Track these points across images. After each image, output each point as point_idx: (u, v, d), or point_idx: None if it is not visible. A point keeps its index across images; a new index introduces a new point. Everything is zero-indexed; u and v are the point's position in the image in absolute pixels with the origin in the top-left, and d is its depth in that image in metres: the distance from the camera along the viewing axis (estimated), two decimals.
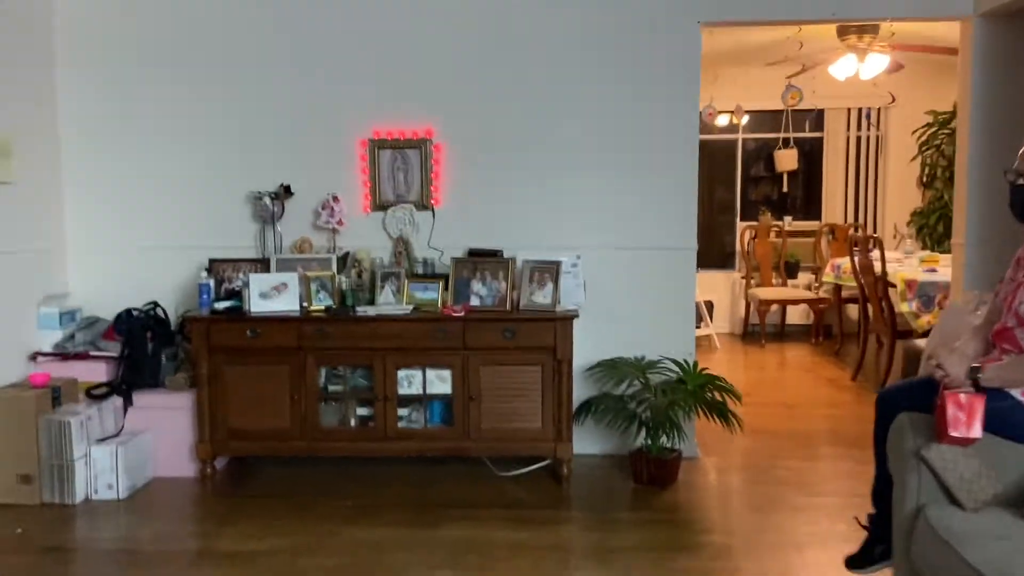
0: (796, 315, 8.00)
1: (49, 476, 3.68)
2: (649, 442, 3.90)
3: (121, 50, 4.25)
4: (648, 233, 4.20)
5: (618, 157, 4.19)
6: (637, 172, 4.19)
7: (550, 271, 3.95)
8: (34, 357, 4.01)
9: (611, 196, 4.20)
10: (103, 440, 3.79)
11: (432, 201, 4.25)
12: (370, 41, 4.20)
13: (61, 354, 4.03)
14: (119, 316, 4.09)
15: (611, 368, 4.04)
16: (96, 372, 3.99)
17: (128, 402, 3.95)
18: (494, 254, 4.05)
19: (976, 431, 2.15)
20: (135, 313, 4.09)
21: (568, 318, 3.83)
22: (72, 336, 4.09)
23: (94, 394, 3.89)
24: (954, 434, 2.18)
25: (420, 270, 4.15)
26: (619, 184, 4.18)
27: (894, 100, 7.60)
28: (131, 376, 3.98)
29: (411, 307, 3.94)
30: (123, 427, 3.92)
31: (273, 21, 4.22)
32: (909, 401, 2.48)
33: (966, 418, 2.15)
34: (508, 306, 3.91)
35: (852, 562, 2.71)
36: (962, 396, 2.16)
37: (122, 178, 4.30)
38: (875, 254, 5.79)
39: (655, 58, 4.14)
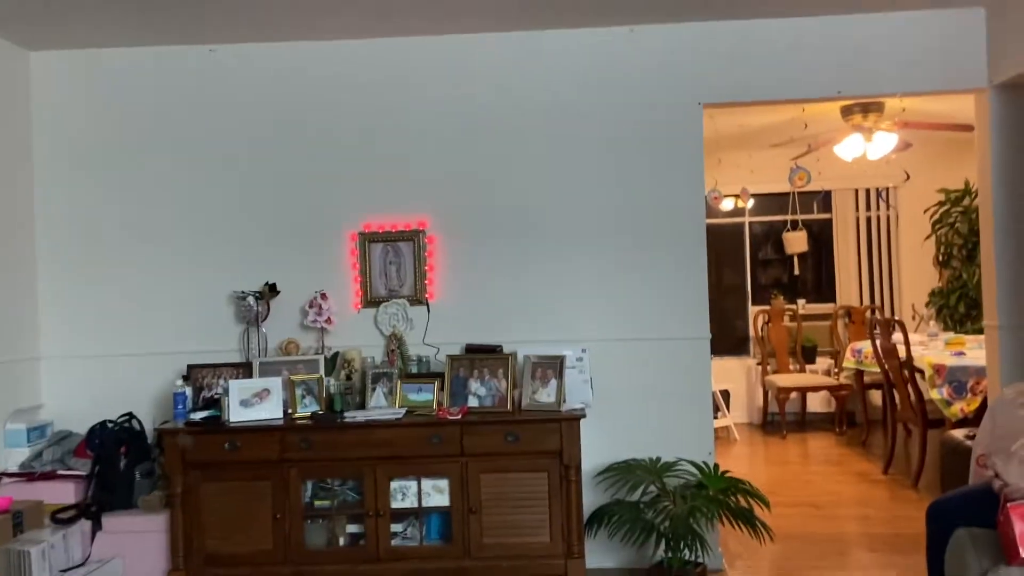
0: (817, 402, 7.68)
1: None
2: (670, 555, 3.54)
3: (97, 152, 4.13)
4: (658, 322, 3.97)
5: (623, 243, 4.00)
6: (643, 258, 4.00)
7: (553, 366, 3.68)
8: None
9: (617, 284, 3.99)
10: (67, 571, 3.46)
11: (426, 295, 4.04)
12: (359, 132, 4.08)
13: (27, 474, 3.74)
14: (92, 429, 3.83)
15: (624, 472, 3.73)
16: (64, 493, 3.70)
17: (97, 526, 3.64)
18: (493, 350, 3.81)
19: None
20: (109, 426, 3.83)
21: (575, 418, 3.55)
22: (40, 454, 3.82)
23: (60, 518, 3.59)
24: None
25: (414, 369, 3.89)
26: (625, 271, 3.98)
27: (908, 178, 7.47)
28: (102, 496, 3.69)
29: (404, 410, 3.66)
30: (90, 555, 3.59)
31: (256, 113, 4.11)
32: (966, 513, 2.16)
33: None
34: (509, 406, 3.65)
35: None
36: None
37: (97, 283, 4.11)
38: (897, 337, 5.50)
39: (657, 140, 4.01)
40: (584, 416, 3.59)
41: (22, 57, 4.06)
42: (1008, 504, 1.92)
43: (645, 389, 3.94)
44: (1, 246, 3.83)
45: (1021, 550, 1.89)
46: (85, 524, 3.63)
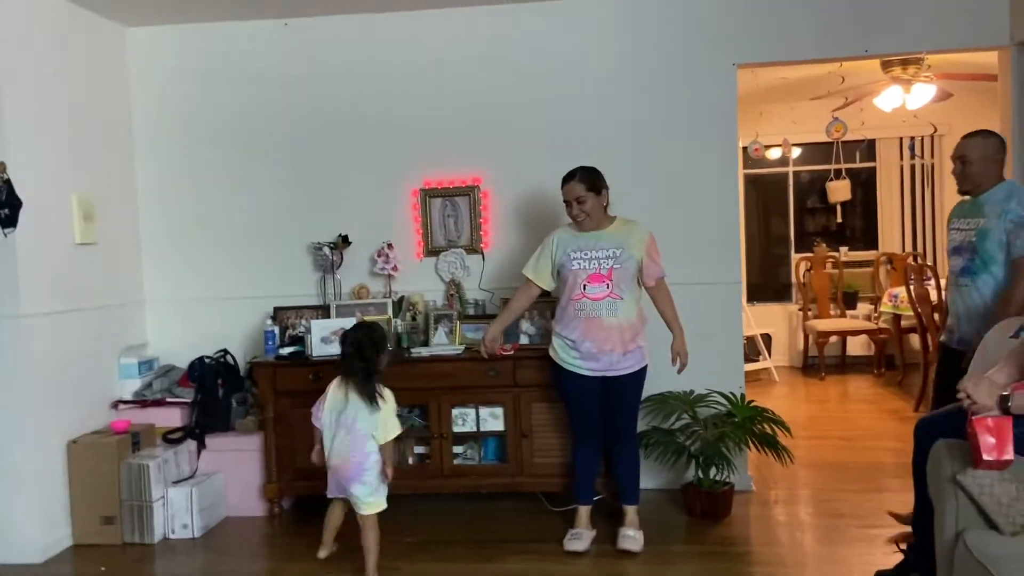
0: (857, 346, 7.89)
1: (129, 517, 3.91)
2: (700, 475, 3.94)
3: (191, 121, 4.58)
4: (694, 268, 4.25)
5: (661, 195, 4.31)
6: (680, 209, 4.31)
7: None
8: (116, 405, 4.28)
9: (656, 232, 4.27)
10: (179, 482, 4.02)
11: (482, 245, 4.43)
12: (420, 97, 4.45)
13: (140, 401, 4.29)
14: (192, 364, 4.35)
15: (660, 403, 4.11)
16: (172, 417, 4.25)
17: (201, 445, 4.18)
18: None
19: (1009, 453, 2.18)
20: (207, 361, 4.34)
21: None
22: (150, 384, 4.36)
23: (170, 438, 4.14)
24: (987, 458, 2.21)
25: (471, 311, 4.31)
26: (664, 221, 4.19)
27: (936, 130, 7.53)
28: (204, 420, 4.22)
29: (463, 347, 4.09)
30: (197, 469, 4.16)
31: (329, 82, 4.50)
32: (948, 428, 2.51)
33: (997, 442, 2.18)
34: None
35: None
36: (989, 420, 2.19)
37: (193, 236, 4.61)
38: (932, 283, 5.73)
39: (694, 98, 4.28)
40: None
41: (119, 32, 4.53)
42: (973, 418, 2.27)
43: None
44: (109, 207, 4.32)
45: (983, 454, 2.24)
46: (191, 444, 4.18)
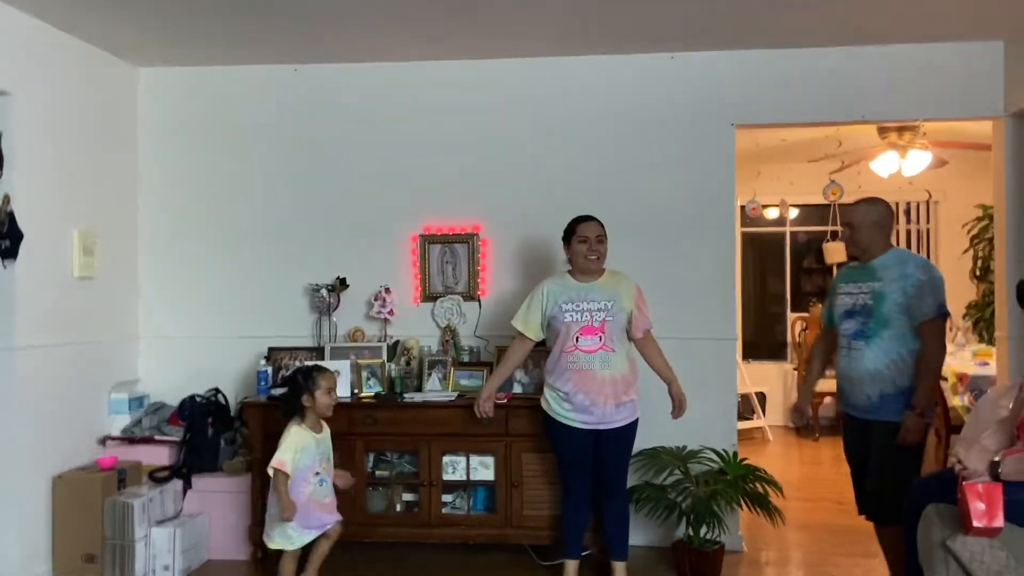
0: None
1: (111, 556, 3.84)
2: (691, 533, 3.90)
3: (193, 157, 4.65)
4: (689, 323, 4.27)
5: (658, 249, 4.35)
6: (677, 263, 4.35)
7: None
8: (103, 441, 4.25)
9: (651, 287, 4.26)
10: (162, 522, 3.96)
11: (479, 292, 4.46)
12: (422, 145, 4.51)
13: (128, 438, 4.26)
14: (183, 402, 4.33)
15: (652, 457, 4.09)
16: (159, 455, 4.22)
17: (188, 485, 4.14)
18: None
19: (999, 520, 2.18)
20: (198, 400, 4.33)
21: None
22: (139, 421, 4.33)
23: (156, 477, 4.10)
24: (978, 524, 2.21)
25: (466, 358, 4.31)
26: (661, 275, 4.27)
27: (930, 197, 7.62)
28: (191, 460, 4.19)
29: (456, 394, 4.09)
30: (182, 509, 4.11)
31: (332, 126, 4.57)
32: (938, 492, 2.51)
33: (988, 508, 2.17)
34: None
35: None
36: (980, 486, 2.19)
37: (191, 273, 4.63)
38: None
39: (693, 156, 4.35)
40: None
41: (131, 72, 4.61)
42: (964, 483, 2.27)
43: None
44: (108, 243, 4.34)
45: (973, 521, 2.23)
46: (177, 483, 4.13)
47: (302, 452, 3.43)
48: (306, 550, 3.50)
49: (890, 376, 3.24)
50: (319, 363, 3.77)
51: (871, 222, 3.39)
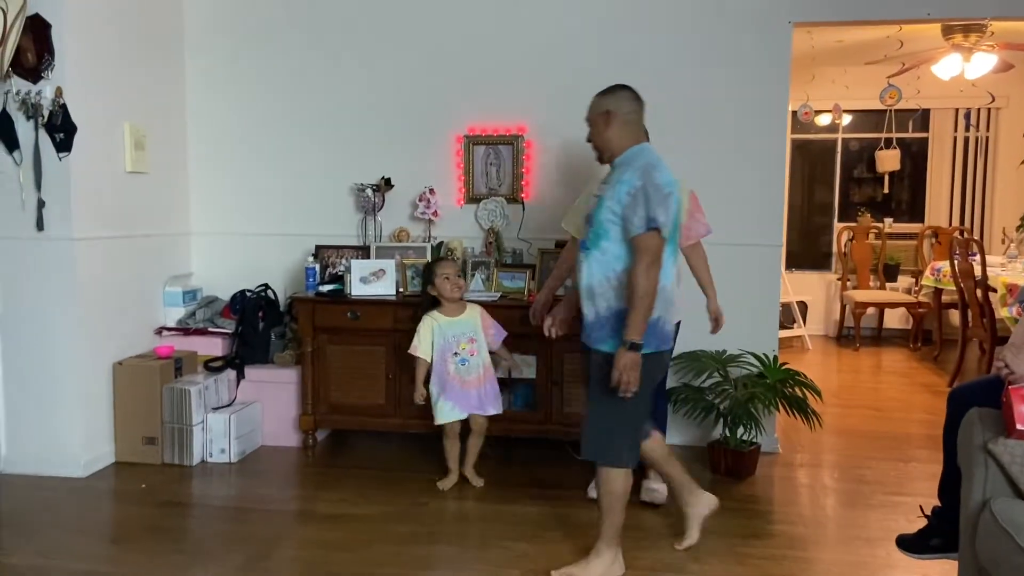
0: (894, 319, 7.82)
1: (170, 439, 4.05)
2: (727, 434, 3.97)
3: (240, 56, 4.63)
4: (735, 229, 4.21)
5: (706, 153, 4.26)
6: (725, 168, 4.26)
7: None
8: (159, 331, 4.41)
9: (699, 191, 4.24)
10: (218, 409, 4.15)
11: (522, 195, 4.45)
12: (467, 42, 4.44)
13: (183, 329, 4.41)
14: (234, 296, 4.45)
15: (692, 360, 4.13)
16: (213, 346, 4.37)
17: (241, 375, 4.30)
18: None
19: None
20: (248, 294, 4.44)
21: None
22: (193, 313, 4.48)
23: (211, 366, 4.26)
24: (1021, 427, 2.21)
25: (509, 260, 4.34)
26: (707, 179, 4.10)
27: (993, 100, 7.32)
28: (244, 351, 4.34)
29: (499, 294, 4.14)
30: (235, 398, 4.28)
31: (379, 25, 4.50)
32: (981, 397, 2.50)
33: None
34: None
35: (903, 543, 2.75)
36: None
37: (240, 171, 4.68)
38: (977, 258, 5.64)
39: (747, 56, 4.21)
40: None
41: None
42: (1010, 387, 2.26)
43: (719, 288, 4.19)
44: (159, 140, 4.40)
45: (1017, 424, 2.24)
46: (231, 373, 4.30)
47: (437, 335, 3.72)
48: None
49: (603, 295, 2.79)
50: (440, 256, 4.12)
51: (601, 116, 3.00)
